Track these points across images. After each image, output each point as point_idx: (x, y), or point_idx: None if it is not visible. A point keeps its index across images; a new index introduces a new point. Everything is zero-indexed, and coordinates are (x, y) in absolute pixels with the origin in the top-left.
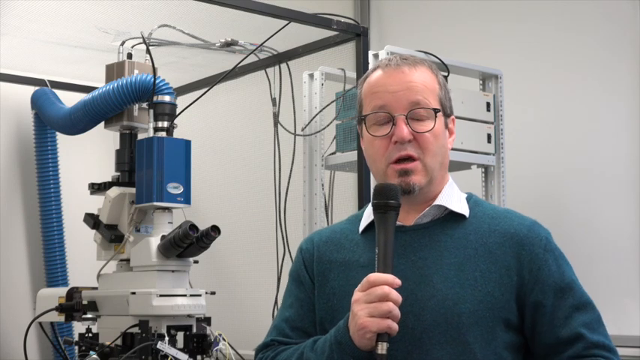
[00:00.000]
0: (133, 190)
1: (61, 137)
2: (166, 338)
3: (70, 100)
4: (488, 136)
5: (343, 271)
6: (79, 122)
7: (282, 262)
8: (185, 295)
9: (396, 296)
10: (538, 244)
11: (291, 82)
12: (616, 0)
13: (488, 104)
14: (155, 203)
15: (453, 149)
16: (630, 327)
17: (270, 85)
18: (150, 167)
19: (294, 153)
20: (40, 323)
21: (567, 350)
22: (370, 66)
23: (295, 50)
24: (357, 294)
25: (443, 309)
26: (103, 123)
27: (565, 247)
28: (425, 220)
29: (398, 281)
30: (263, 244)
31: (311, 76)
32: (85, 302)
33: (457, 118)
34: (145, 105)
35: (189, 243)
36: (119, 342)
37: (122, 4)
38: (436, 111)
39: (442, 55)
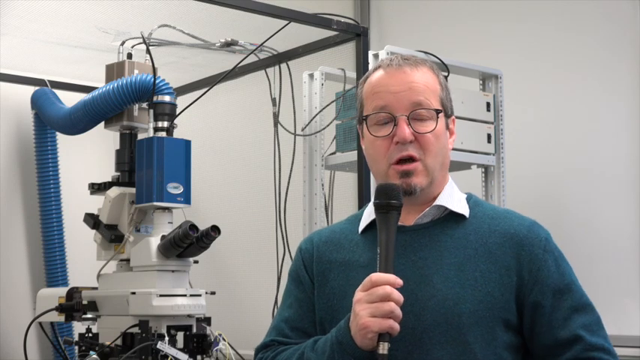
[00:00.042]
0: (133, 190)
1: (61, 137)
2: (166, 338)
3: (70, 100)
4: (488, 136)
5: (343, 271)
6: (79, 122)
7: (282, 262)
8: (185, 295)
9: (398, 296)
10: (538, 244)
11: (291, 82)
12: (616, 0)
13: (488, 104)
14: (155, 203)
15: (453, 149)
16: (630, 327)
17: (270, 85)
18: (150, 167)
19: (294, 153)
20: (40, 323)
21: (566, 352)
22: (370, 66)
23: (295, 50)
24: (358, 294)
25: (443, 309)
26: (103, 123)
27: (565, 247)
28: (425, 220)
29: (400, 281)
30: (263, 244)
31: (311, 76)
32: (85, 302)
33: (457, 118)
34: (145, 105)
35: (189, 243)
36: (119, 342)
37: (122, 4)
38: (438, 112)
39: (442, 55)
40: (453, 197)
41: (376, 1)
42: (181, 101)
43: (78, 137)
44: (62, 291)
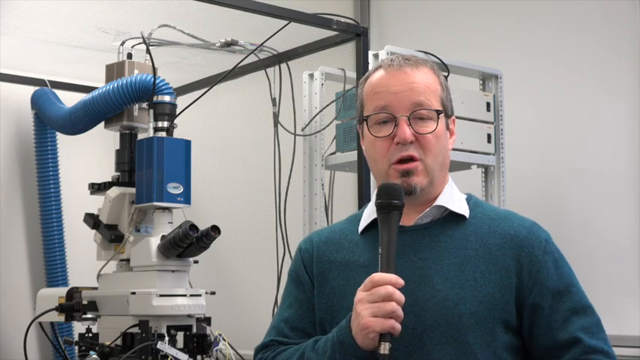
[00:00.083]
0: (133, 190)
1: (61, 137)
2: (166, 338)
3: (70, 100)
4: (488, 136)
5: (343, 271)
6: (79, 122)
7: (282, 262)
8: (185, 295)
9: (400, 296)
10: (538, 246)
11: (291, 82)
12: (616, 0)
13: (488, 104)
14: (155, 203)
15: (453, 149)
16: (630, 327)
17: (270, 85)
18: (150, 167)
19: (294, 153)
20: (40, 323)
21: (565, 354)
22: (370, 66)
23: (295, 50)
24: (360, 294)
25: (443, 309)
26: (103, 123)
27: (565, 248)
28: (425, 220)
29: (401, 281)
30: (263, 244)
31: (311, 76)
32: (85, 302)
33: (457, 118)
34: (145, 105)
35: (189, 243)
36: (119, 342)
37: (122, 4)
38: (438, 112)
39: (442, 55)
40: (453, 198)
41: (376, 1)
42: (181, 101)
43: (78, 137)
44: (62, 291)
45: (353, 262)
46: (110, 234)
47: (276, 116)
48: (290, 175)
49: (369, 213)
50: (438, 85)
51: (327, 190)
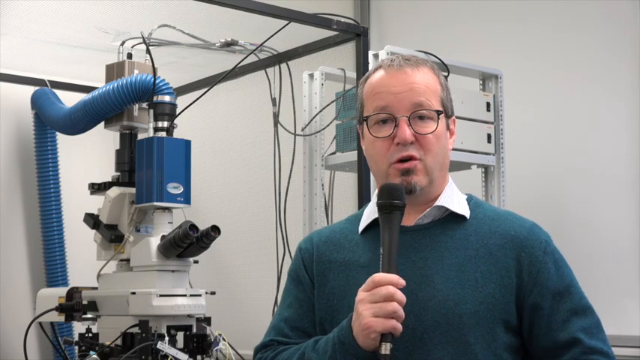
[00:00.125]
0: (133, 190)
1: (61, 137)
2: (166, 338)
3: (70, 100)
4: (488, 136)
5: (343, 271)
6: (79, 122)
7: (282, 262)
8: (185, 295)
9: (401, 296)
10: (538, 246)
11: (291, 82)
12: (616, 0)
13: (488, 104)
14: (155, 203)
15: (453, 149)
16: (630, 327)
17: (270, 85)
18: (150, 167)
19: (294, 153)
20: (40, 323)
21: (564, 354)
22: (370, 66)
23: (295, 50)
24: (361, 294)
25: (444, 309)
26: (103, 123)
27: (565, 248)
28: (426, 220)
29: (402, 281)
30: (263, 244)
31: (311, 76)
32: (85, 302)
33: (457, 118)
34: (145, 105)
35: (189, 243)
36: (119, 342)
37: (122, 4)
38: (439, 112)
39: (442, 55)
40: (454, 198)
41: (376, 1)
42: (181, 101)
43: (78, 137)
44: (62, 291)
45: (353, 262)
46: (110, 234)
47: (276, 116)
48: (290, 175)
49: (369, 213)
50: (438, 85)
51: (327, 190)
